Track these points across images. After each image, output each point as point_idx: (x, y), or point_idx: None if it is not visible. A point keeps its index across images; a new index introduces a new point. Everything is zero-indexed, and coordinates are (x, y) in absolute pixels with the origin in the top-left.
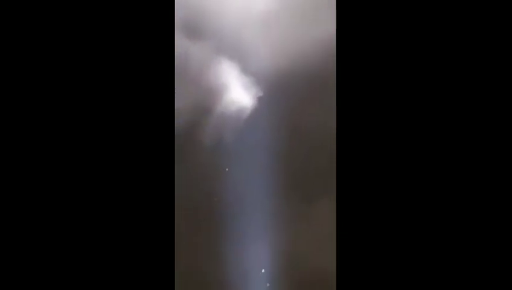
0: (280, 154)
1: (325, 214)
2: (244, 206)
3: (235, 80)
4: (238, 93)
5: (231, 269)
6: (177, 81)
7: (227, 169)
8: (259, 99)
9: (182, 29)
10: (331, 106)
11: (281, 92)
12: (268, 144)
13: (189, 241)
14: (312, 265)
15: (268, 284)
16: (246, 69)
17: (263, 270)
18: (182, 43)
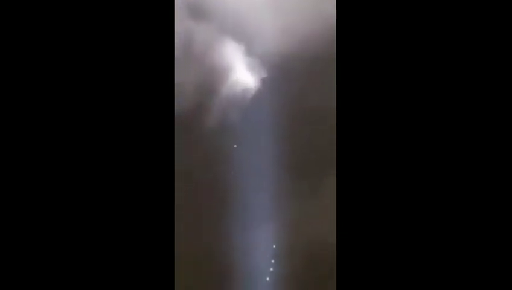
0: (284, 134)
1: (328, 191)
2: (248, 184)
3: (239, 61)
4: (242, 74)
5: (236, 245)
6: (182, 62)
7: (235, 146)
8: (264, 80)
9: (186, 10)
10: (334, 86)
11: (285, 73)
12: (272, 123)
13: (194, 219)
14: (316, 241)
15: (273, 261)
16: (250, 50)
17: (274, 246)
18: (186, 24)
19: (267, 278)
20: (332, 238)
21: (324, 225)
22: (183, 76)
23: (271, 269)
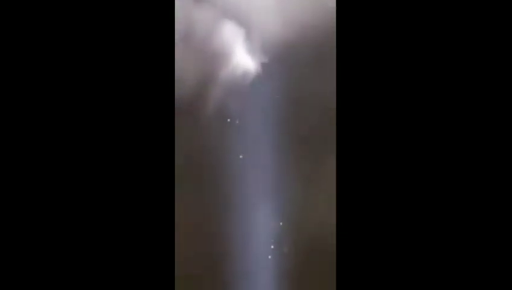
0: (285, 118)
1: (328, 173)
2: (248, 167)
3: (239, 46)
4: (242, 58)
5: (235, 230)
6: (181, 46)
7: (237, 121)
8: (264, 66)
9: None
10: (334, 71)
11: (285, 58)
12: (272, 108)
13: (194, 203)
14: (316, 220)
15: (272, 240)
16: (251, 34)
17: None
18: (186, 7)
19: (269, 257)
20: (332, 218)
21: (324, 206)
22: (182, 59)
23: (272, 247)
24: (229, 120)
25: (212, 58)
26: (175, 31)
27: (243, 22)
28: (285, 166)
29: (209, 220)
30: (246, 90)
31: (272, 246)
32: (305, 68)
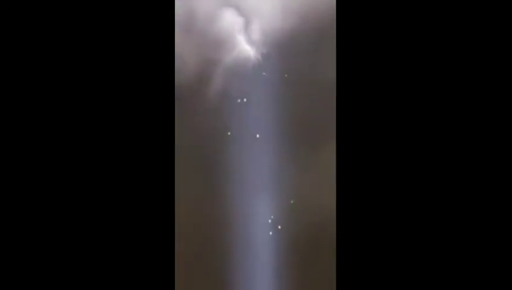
0: (284, 106)
1: (328, 158)
2: (248, 155)
3: (239, 35)
4: (242, 48)
5: (235, 217)
6: (182, 34)
7: (241, 100)
8: (264, 55)
9: None
10: (334, 58)
11: (285, 46)
12: (272, 96)
13: (195, 189)
14: (317, 212)
15: (272, 216)
16: (250, 24)
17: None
18: None
19: (270, 232)
20: (331, 202)
21: (324, 191)
22: (183, 48)
23: (269, 221)
24: (239, 100)
25: (213, 47)
26: (177, 20)
27: (242, 10)
28: (285, 150)
29: (210, 203)
30: (247, 78)
31: (270, 220)
32: (305, 56)
